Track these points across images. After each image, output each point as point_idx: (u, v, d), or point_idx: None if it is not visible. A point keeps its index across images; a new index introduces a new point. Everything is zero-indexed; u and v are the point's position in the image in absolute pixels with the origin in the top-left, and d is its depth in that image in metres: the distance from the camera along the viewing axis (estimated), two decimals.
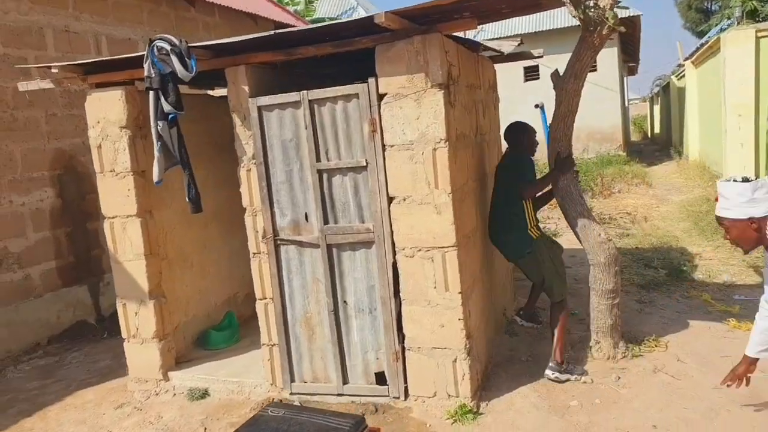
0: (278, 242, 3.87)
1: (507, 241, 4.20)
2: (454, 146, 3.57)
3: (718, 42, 10.23)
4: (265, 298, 3.98)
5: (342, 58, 3.74)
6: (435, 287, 3.57)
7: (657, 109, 30.10)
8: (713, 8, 26.74)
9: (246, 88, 3.79)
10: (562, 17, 16.98)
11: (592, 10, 3.71)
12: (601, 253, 4.09)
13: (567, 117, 4.10)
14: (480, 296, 4.05)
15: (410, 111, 3.47)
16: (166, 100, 3.56)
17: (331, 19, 14.27)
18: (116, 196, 4.27)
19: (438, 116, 3.41)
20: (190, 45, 3.61)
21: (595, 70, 16.76)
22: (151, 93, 3.59)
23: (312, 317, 3.88)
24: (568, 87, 4.00)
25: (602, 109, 16.85)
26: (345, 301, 3.80)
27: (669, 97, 21.49)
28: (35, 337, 5.92)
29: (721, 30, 11.30)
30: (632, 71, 32.51)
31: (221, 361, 4.55)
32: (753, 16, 12.66)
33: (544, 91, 17.06)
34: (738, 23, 10.59)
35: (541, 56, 5.49)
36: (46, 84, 4.33)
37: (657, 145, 26.10)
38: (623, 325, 4.33)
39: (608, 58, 16.76)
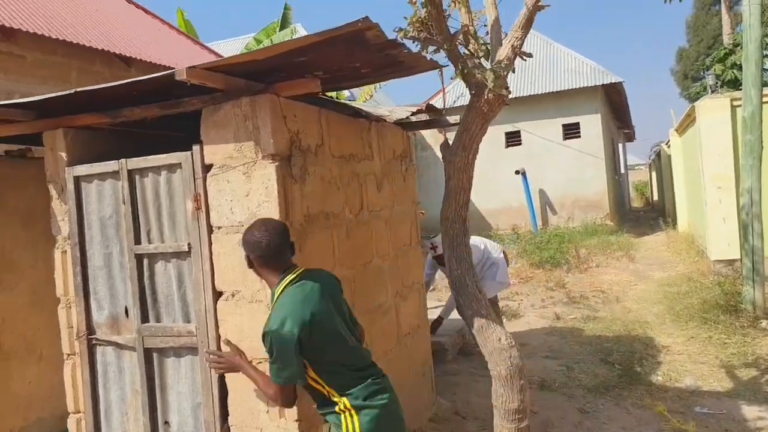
0: (93, 342, 3.12)
1: None
2: (298, 230, 2.87)
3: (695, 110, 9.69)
4: (79, 412, 3.20)
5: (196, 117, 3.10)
6: (268, 412, 2.78)
7: (654, 175, 29.55)
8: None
9: (64, 155, 3.15)
10: (541, 83, 16.69)
11: (476, 71, 3.09)
12: (501, 363, 3.30)
13: (458, 194, 3.41)
14: None
15: (239, 186, 2.79)
16: None
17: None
18: None
19: (270, 193, 2.73)
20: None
21: (578, 136, 16.36)
22: None
23: None
24: (455, 160, 3.34)
25: (588, 177, 16.28)
26: (167, 422, 3.00)
27: (662, 164, 20.95)
28: None
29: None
30: (629, 137, 32.25)
31: None
32: (734, 85, 12.15)
33: (525, 156, 16.82)
34: (713, 91, 10.05)
35: (455, 124, 4.73)
36: None
37: (656, 212, 25.36)
38: None
39: (592, 124, 16.33)
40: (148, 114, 3.00)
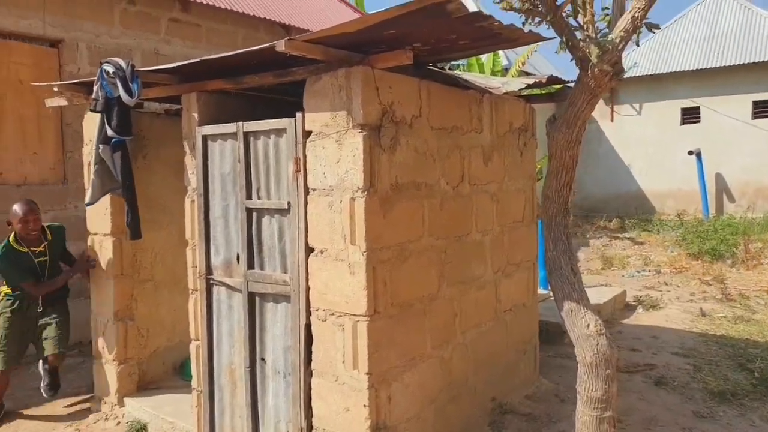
0: (210, 282, 3.58)
1: None
2: (384, 197, 3.01)
3: None
4: (198, 340, 3.71)
5: None
6: (344, 362, 3.01)
7: None
8: None
9: (196, 115, 3.59)
10: (733, 53, 14.74)
11: (583, 41, 2.92)
12: (588, 349, 3.19)
13: (560, 173, 3.28)
14: (426, 380, 3.38)
15: (332, 152, 2.99)
16: (108, 124, 3.49)
17: None
18: (97, 213, 4.32)
19: (357, 161, 2.89)
20: (144, 69, 3.52)
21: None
22: (98, 116, 3.55)
23: (236, 369, 3.51)
24: (558, 137, 3.20)
25: None
26: (263, 359, 3.38)
27: None
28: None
29: None
30: None
31: (181, 395, 4.36)
32: None
33: (703, 136, 15.15)
34: None
35: (566, 84, 4.28)
36: (62, 101, 4.54)
37: None
38: None
39: None
40: (265, 81, 3.31)
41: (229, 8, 7.52)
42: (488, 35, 2.89)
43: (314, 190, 3.07)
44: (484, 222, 3.98)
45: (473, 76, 4.06)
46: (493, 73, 12.87)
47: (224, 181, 3.48)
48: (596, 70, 2.93)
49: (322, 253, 3.07)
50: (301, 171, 3.10)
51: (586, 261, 10.99)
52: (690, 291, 8.40)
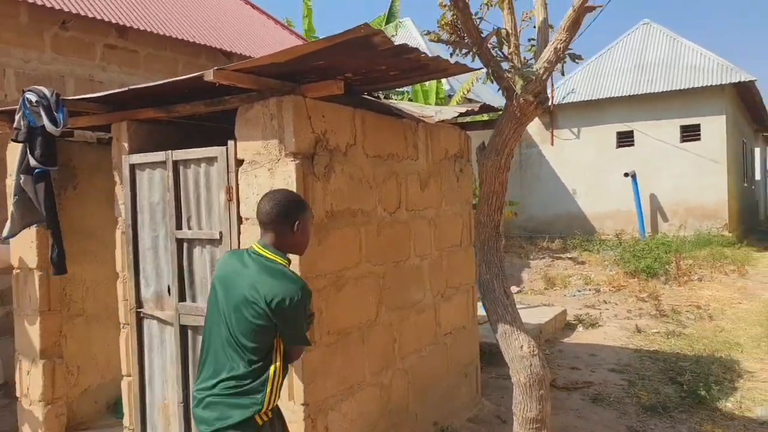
0: (141, 315, 3.47)
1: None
2: (318, 225, 3.01)
3: None
4: (130, 376, 3.58)
5: None
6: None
7: None
8: None
9: (126, 144, 3.52)
10: (661, 81, 15.58)
11: (508, 71, 3.04)
12: (521, 370, 3.25)
13: (490, 199, 3.37)
14: (365, 408, 3.36)
15: (264, 181, 2.98)
16: (32, 154, 3.37)
17: None
18: (22, 246, 4.13)
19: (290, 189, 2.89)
20: (70, 98, 3.43)
21: (698, 139, 15.14)
22: (20, 146, 3.43)
23: (169, 405, 3.40)
24: (488, 164, 3.30)
25: (706, 183, 15.02)
26: None
27: None
28: None
29: None
30: None
31: None
32: None
33: (637, 158, 15.84)
34: None
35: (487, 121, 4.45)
36: None
37: None
38: None
39: (715, 126, 15.02)
40: (197, 110, 3.29)
41: (168, 35, 7.43)
42: (416, 66, 2.96)
43: (247, 219, 3.05)
44: (422, 246, 4.03)
45: (408, 105, 4.14)
46: (438, 100, 13.17)
47: (153, 211, 3.41)
48: (521, 99, 3.05)
49: None
50: (234, 200, 3.07)
51: (530, 281, 11.23)
52: (627, 308, 8.69)
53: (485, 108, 4.33)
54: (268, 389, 2.16)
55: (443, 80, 15.52)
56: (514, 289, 10.36)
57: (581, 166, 16.43)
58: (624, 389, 5.18)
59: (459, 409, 4.46)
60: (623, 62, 16.93)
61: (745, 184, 19.41)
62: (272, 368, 2.18)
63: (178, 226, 3.28)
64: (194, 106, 3.27)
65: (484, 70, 3.18)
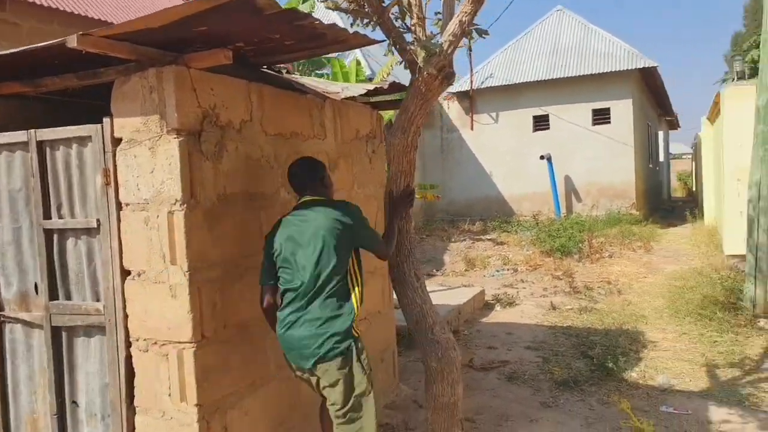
0: (1, 319, 3.08)
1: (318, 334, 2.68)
2: (209, 210, 2.76)
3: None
4: None
5: None
6: (170, 394, 2.70)
7: (694, 165, 28.37)
8: None
9: None
10: (574, 66, 16.08)
11: (411, 44, 2.89)
12: (432, 354, 3.15)
13: (399, 178, 3.23)
14: (271, 403, 3.15)
15: (145, 161, 2.68)
16: None
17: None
18: None
19: (173, 170, 2.62)
20: None
21: (609, 122, 15.76)
22: None
23: (39, 419, 3.03)
24: (395, 143, 3.15)
25: (616, 164, 15.68)
26: (75, 402, 2.95)
27: (698, 154, 20.07)
28: None
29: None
30: (672, 125, 30.99)
31: None
32: None
33: (553, 141, 16.31)
34: (740, 78, 9.45)
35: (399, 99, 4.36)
36: None
37: (695, 203, 24.37)
38: None
39: (623, 109, 15.68)
40: (68, 84, 2.92)
41: (54, 7, 6.79)
42: (313, 36, 2.75)
43: (127, 204, 2.74)
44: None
45: (312, 80, 3.92)
46: (358, 83, 12.94)
47: (14, 199, 2.99)
48: (425, 73, 2.90)
49: (139, 275, 2.74)
50: (112, 184, 2.76)
51: (451, 263, 11.32)
52: (543, 286, 8.91)
53: (395, 86, 4.16)
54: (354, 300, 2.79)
55: (363, 62, 15.32)
56: (435, 272, 10.42)
57: (500, 149, 16.74)
58: (539, 366, 5.24)
59: (377, 395, 4.32)
60: (538, 47, 17.35)
61: (651, 166, 20.48)
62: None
63: (46, 216, 2.91)
64: (64, 80, 2.90)
65: (387, 42, 3.01)
